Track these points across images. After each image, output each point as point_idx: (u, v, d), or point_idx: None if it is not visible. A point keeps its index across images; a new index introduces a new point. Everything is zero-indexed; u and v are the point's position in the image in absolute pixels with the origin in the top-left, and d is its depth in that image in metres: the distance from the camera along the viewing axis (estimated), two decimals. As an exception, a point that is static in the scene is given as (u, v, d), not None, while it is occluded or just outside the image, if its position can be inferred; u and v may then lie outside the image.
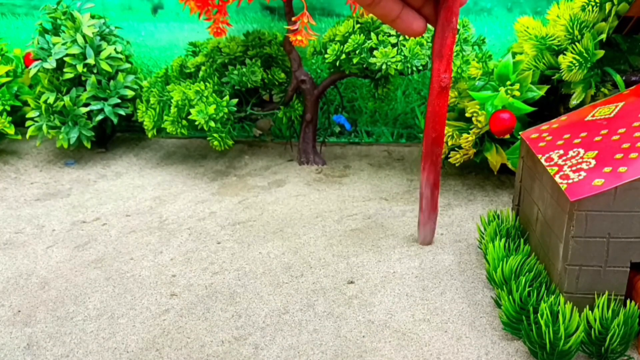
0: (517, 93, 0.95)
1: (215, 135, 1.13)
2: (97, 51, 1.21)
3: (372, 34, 1.07)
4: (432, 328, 0.67)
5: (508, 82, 0.97)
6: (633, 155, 0.61)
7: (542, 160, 0.70)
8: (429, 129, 0.80)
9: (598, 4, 0.92)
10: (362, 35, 1.07)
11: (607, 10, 0.91)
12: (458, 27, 1.10)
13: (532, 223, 0.77)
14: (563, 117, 0.81)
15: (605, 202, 0.59)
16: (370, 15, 1.09)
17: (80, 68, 1.18)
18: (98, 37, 1.22)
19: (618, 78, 0.91)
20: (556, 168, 0.67)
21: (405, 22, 0.49)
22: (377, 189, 1.12)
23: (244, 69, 1.16)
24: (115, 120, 1.21)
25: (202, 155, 1.32)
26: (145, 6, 1.38)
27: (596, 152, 0.66)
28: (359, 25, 1.09)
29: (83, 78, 1.21)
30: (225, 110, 1.12)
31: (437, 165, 0.82)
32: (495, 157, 1.04)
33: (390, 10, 0.48)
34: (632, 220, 0.60)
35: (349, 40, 1.07)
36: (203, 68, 1.18)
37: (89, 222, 0.97)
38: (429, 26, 0.60)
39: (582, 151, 0.67)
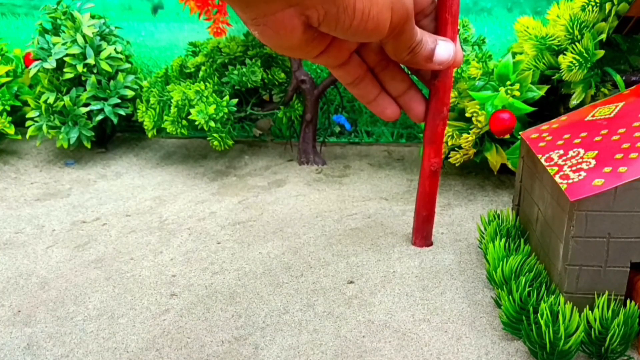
0: (517, 93, 0.95)
1: (215, 135, 1.13)
2: (97, 51, 1.21)
3: (372, 34, 1.07)
4: (432, 328, 0.67)
5: (508, 82, 0.97)
6: (633, 155, 0.61)
7: (542, 160, 0.70)
8: (420, 208, 0.84)
9: (598, 4, 0.92)
10: (362, 35, 1.07)
11: (607, 10, 0.91)
12: (458, 27, 1.10)
13: (532, 223, 0.77)
14: (563, 117, 0.81)
15: (605, 202, 0.59)
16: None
17: (80, 68, 1.18)
18: (98, 37, 1.22)
19: (618, 78, 0.91)
20: (556, 168, 0.67)
21: (381, 106, 0.50)
22: (377, 189, 1.12)
23: (244, 69, 1.16)
24: (115, 120, 1.21)
25: (202, 155, 1.32)
26: (145, 6, 1.38)
27: (596, 152, 0.66)
28: (359, 25, 1.09)
29: (83, 78, 1.21)
30: (225, 110, 1.12)
31: (428, 239, 0.87)
32: (495, 157, 1.04)
33: (368, 93, 0.49)
34: (632, 220, 0.60)
35: (349, 40, 1.07)
36: (203, 68, 1.18)
37: (89, 222, 0.97)
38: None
39: (582, 151, 0.67)
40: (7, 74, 1.27)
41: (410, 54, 0.44)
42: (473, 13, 1.29)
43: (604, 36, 0.92)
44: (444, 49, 0.46)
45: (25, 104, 1.29)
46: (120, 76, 1.23)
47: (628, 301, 0.61)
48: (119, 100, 1.22)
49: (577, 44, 0.93)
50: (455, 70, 1.06)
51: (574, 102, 0.96)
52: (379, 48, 0.47)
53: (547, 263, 0.70)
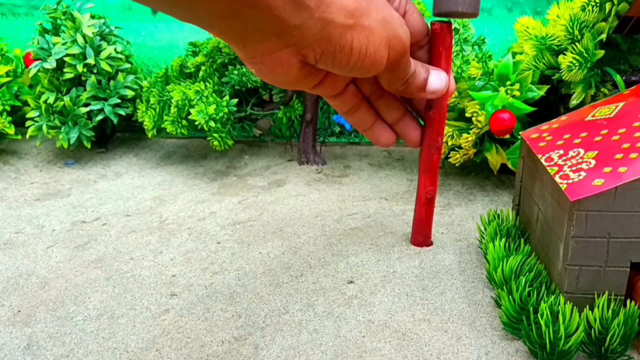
0: (517, 93, 0.95)
1: (215, 135, 1.13)
2: (97, 51, 1.21)
3: (372, 34, 1.07)
4: (432, 328, 0.67)
5: (508, 82, 0.97)
6: (633, 155, 0.61)
7: (542, 160, 0.70)
8: (417, 235, 0.86)
9: (598, 4, 0.92)
10: (362, 35, 1.07)
11: (607, 10, 0.91)
12: (458, 26, 1.10)
13: (532, 223, 0.77)
14: (563, 117, 0.81)
15: (605, 202, 0.59)
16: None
17: (80, 68, 1.18)
18: (98, 37, 1.22)
19: (618, 78, 0.91)
20: (556, 168, 0.67)
21: (376, 134, 0.51)
22: (377, 189, 1.12)
23: (244, 69, 1.16)
24: (115, 120, 1.21)
25: (202, 155, 1.32)
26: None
27: (596, 152, 0.66)
28: (359, 25, 1.09)
29: (83, 78, 1.21)
30: (225, 110, 1.12)
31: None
32: (495, 157, 1.04)
33: (364, 121, 0.50)
34: (632, 220, 0.60)
35: (349, 40, 1.07)
36: (203, 68, 1.18)
37: (89, 222, 0.97)
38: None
39: (582, 151, 0.67)
40: (7, 74, 1.27)
41: (404, 85, 0.44)
42: (473, 13, 1.29)
43: (604, 36, 0.92)
44: (436, 79, 0.47)
45: (25, 104, 1.29)
46: (120, 76, 1.23)
47: (628, 301, 0.61)
48: (119, 100, 1.22)
49: (577, 44, 0.93)
50: (455, 70, 1.06)
51: (574, 102, 0.96)
52: (374, 78, 0.46)
53: (547, 263, 0.70)
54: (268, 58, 0.36)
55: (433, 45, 0.73)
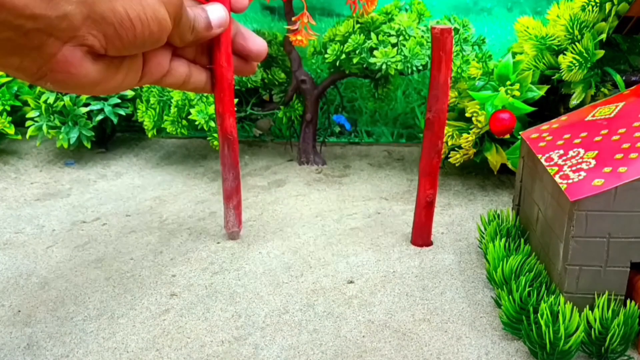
0: (517, 93, 0.95)
1: (215, 135, 1.13)
2: (97, 51, 1.21)
3: (372, 34, 1.07)
4: (432, 328, 0.67)
5: (508, 82, 0.97)
6: (633, 155, 0.61)
7: (542, 160, 0.70)
8: (417, 237, 0.86)
9: (598, 4, 0.92)
10: (362, 35, 1.07)
11: (607, 10, 0.91)
12: (458, 26, 1.10)
13: (532, 223, 0.77)
14: (563, 117, 0.81)
15: (605, 202, 0.59)
16: (370, 15, 1.09)
17: (80, 68, 1.18)
18: (98, 37, 1.22)
19: (618, 78, 0.91)
20: (556, 168, 0.67)
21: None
22: (377, 189, 1.12)
23: (244, 69, 1.15)
24: (115, 120, 1.21)
25: (202, 155, 1.32)
26: (145, 6, 1.38)
27: (596, 152, 0.66)
28: (359, 25, 1.09)
29: (83, 78, 1.21)
30: (225, 110, 1.12)
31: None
32: (495, 157, 1.04)
33: (200, 81, 0.49)
34: (632, 220, 0.60)
35: (349, 40, 1.07)
36: (203, 68, 1.18)
37: (89, 222, 0.97)
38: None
39: (582, 151, 0.67)
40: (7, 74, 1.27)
41: (193, 33, 0.44)
42: (473, 13, 1.29)
43: (604, 36, 0.92)
44: (215, 13, 0.46)
45: (25, 104, 1.29)
46: (120, 76, 1.23)
47: (628, 301, 0.61)
48: (119, 100, 1.22)
49: (577, 44, 0.93)
50: (455, 70, 1.06)
51: (574, 102, 0.96)
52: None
53: (547, 263, 0.70)
54: (54, 63, 0.34)
55: (433, 49, 0.73)
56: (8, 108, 1.25)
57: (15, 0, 0.30)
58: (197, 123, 1.11)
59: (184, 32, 0.43)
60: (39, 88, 1.22)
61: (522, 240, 0.76)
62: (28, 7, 0.31)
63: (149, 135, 1.20)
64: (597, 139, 0.68)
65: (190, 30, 0.43)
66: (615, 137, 0.66)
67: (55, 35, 0.33)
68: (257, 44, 0.52)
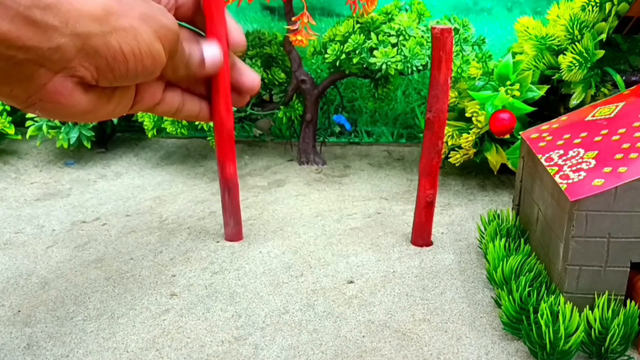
0: (517, 93, 0.95)
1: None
2: (97, 51, 1.21)
3: (372, 34, 1.07)
4: (432, 328, 0.67)
5: (508, 82, 0.97)
6: (633, 155, 0.61)
7: (542, 160, 0.70)
8: (417, 237, 0.86)
9: (598, 4, 0.92)
10: (362, 35, 1.07)
11: (607, 10, 0.91)
12: (458, 26, 1.10)
13: (532, 223, 0.77)
14: (563, 117, 0.81)
15: (605, 202, 0.59)
16: (370, 15, 1.09)
17: (80, 68, 1.18)
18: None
19: (618, 78, 0.91)
20: (556, 168, 0.67)
21: (206, 111, 0.51)
22: (377, 189, 1.12)
23: (244, 69, 1.15)
24: (115, 120, 1.21)
25: (202, 155, 1.32)
26: (145, 6, 1.38)
27: (596, 152, 0.66)
28: (359, 25, 1.09)
29: (83, 78, 1.21)
30: (225, 110, 1.12)
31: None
32: (495, 157, 1.04)
33: (193, 109, 0.49)
34: (632, 220, 0.60)
35: (349, 40, 1.07)
36: (203, 68, 1.18)
37: (89, 222, 0.97)
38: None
39: (582, 151, 0.67)
40: (7, 74, 1.27)
41: (186, 68, 0.44)
42: (473, 13, 1.30)
43: (604, 36, 0.92)
44: (209, 51, 0.47)
45: (25, 103, 1.29)
46: (120, 76, 1.23)
47: (628, 301, 0.61)
48: (119, 100, 1.22)
49: (577, 44, 0.93)
50: (455, 70, 1.06)
51: (574, 102, 0.96)
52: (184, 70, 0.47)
53: (547, 263, 0.70)
54: (44, 93, 0.34)
55: (433, 49, 0.73)
56: (8, 108, 1.25)
57: (8, 31, 0.30)
58: (197, 123, 1.11)
59: (177, 66, 0.43)
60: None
61: (522, 240, 0.76)
62: (21, 39, 0.31)
63: (149, 135, 1.20)
64: (597, 139, 0.68)
65: (184, 65, 0.43)
66: (615, 137, 0.66)
67: (46, 66, 0.33)
68: (251, 79, 0.53)
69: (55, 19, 0.32)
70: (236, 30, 0.51)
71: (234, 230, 0.88)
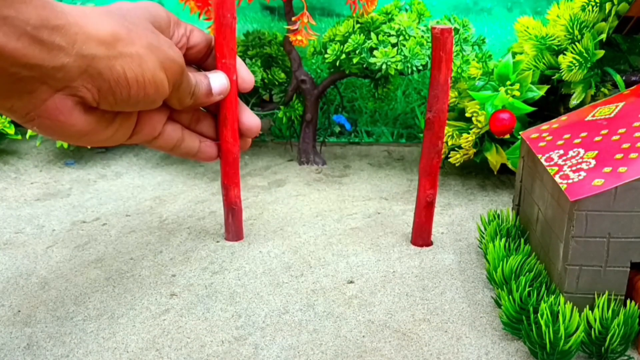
0: (517, 93, 0.95)
1: (215, 135, 1.13)
2: (97, 51, 1.21)
3: (372, 34, 1.07)
4: (432, 328, 0.67)
5: (508, 82, 0.97)
6: (633, 155, 0.61)
7: (542, 160, 0.70)
8: (417, 238, 0.86)
9: (598, 4, 0.92)
10: (362, 35, 1.07)
11: (607, 10, 0.91)
12: (458, 26, 1.10)
13: (532, 223, 0.77)
14: (563, 117, 0.81)
15: (605, 202, 0.59)
16: (370, 15, 1.09)
17: (80, 68, 1.18)
18: (98, 37, 1.22)
19: (618, 78, 0.91)
20: (556, 168, 0.67)
21: (206, 152, 0.56)
22: (377, 189, 1.12)
23: (244, 69, 1.15)
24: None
25: (202, 155, 1.32)
26: (145, 6, 1.38)
27: (596, 152, 0.66)
28: (359, 25, 1.09)
29: (83, 78, 1.21)
30: (225, 110, 1.12)
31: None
32: (495, 157, 1.04)
33: (191, 148, 0.53)
34: (632, 220, 0.60)
35: (349, 40, 1.07)
36: (203, 68, 1.18)
37: (89, 222, 0.97)
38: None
39: (582, 151, 0.67)
40: (7, 74, 1.27)
41: (193, 98, 0.45)
42: (473, 13, 1.30)
43: (604, 36, 0.92)
44: (217, 81, 0.48)
45: (25, 103, 1.29)
46: (120, 76, 1.23)
47: (628, 301, 0.61)
48: (119, 100, 1.22)
49: (577, 44, 0.93)
50: (455, 70, 1.06)
51: (574, 102, 0.96)
52: (189, 108, 0.48)
53: (547, 263, 0.70)
54: (43, 109, 0.34)
55: (433, 49, 0.73)
56: (8, 108, 1.25)
57: (14, 49, 0.30)
58: (197, 123, 1.11)
59: (183, 96, 0.44)
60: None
61: (522, 240, 0.76)
62: (26, 57, 0.31)
63: (149, 135, 1.20)
64: (597, 139, 0.68)
65: (190, 95, 0.44)
66: (615, 137, 0.66)
67: (48, 83, 0.33)
68: (251, 120, 0.54)
69: (63, 40, 0.32)
70: (246, 73, 0.52)
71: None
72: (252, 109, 1.23)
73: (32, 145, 1.34)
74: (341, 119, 1.37)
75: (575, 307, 0.61)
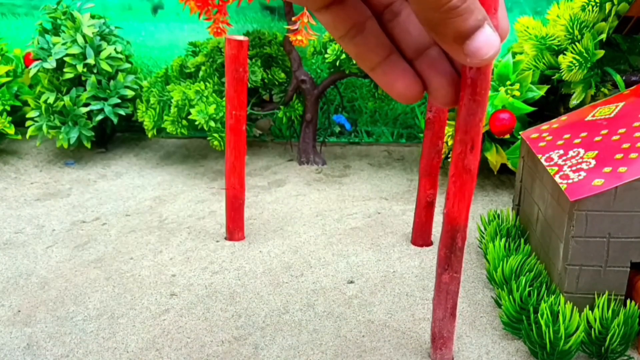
0: (517, 93, 0.95)
1: (215, 135, 1.13)
2: (97, 51, 1.21)
3: (372, 33, 1.07)
4: (432, 328, 0.67)
5: (508, 82, 0.97)
6: (633, 155, 0.61)
7: (542, 160, 0.70)
8: (417, 237, 0.86)
9: (598, 4, 0.92)
10: (362, 35, 1.07)
11: (607, 10, 0.91)
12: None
13: (532, 223, 0.77)
14: (563, 117, 0.81)
15: (605, 202, 0.59)
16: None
17: (80, 68, 1.18)
18: (98, 37, 1.22)
19: (618, 78, 0.91)
20: (556, 168, 0.67)
21: (389, 75, 0.29)
22: (377, 189, 1.12)
23: (244, 69, 1.15)
24: (115, 120, 1.21)
25: (202, 155, 1.32)
26: (145, 6, 1.38)
27: (596, 152, 0.66)
28: (359, 25, 1.09)
29: (83, 78, 1.21)
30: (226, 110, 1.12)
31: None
32: (495, 157, 1.04)
33: (369, 52, 0.30)
34: (632, 220, 0.60)
35: (349, 40, 1.07)
36: (203, 68, 1.18)
37: (89, 222, 0.97)
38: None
39: (582, 151, 0.67)
40: (7, 74, 1.27)
41: (441, 15, 0.25)
42: (473, 13, 1.29)
43: (604, 36, 0.92)
44: (485, 39, 0.27)
45: (25, 104, 1.29)
46: (120, 76, 1.23)
47: (628, 301, 0.61)
48: (119, 100, 1.22)
49: (577, 44, 0.93)
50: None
51: (574, 102, 0.96)
52: None
53: (547, 263, 0.70)
54: None
55: None
56: (8, 108, 1.25)
57: None
58: (197, 123, 1.11)
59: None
60: (39, 88, 1.22)
61: (522, 240, 0.76)
62: None
63: (149, 135, 1.20)
64: (597, 139, 0.68)
65: (441, 6, 0.25)
66: (615, 137, 0.66)
67: None
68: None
69: None
70: (504, 19, 0.28)
71: None
72: (252, 109, 1.23)
73: (32, 145, 1.34)
74: (341, 119, 1.37)
75: (575, 307, 0.61)
